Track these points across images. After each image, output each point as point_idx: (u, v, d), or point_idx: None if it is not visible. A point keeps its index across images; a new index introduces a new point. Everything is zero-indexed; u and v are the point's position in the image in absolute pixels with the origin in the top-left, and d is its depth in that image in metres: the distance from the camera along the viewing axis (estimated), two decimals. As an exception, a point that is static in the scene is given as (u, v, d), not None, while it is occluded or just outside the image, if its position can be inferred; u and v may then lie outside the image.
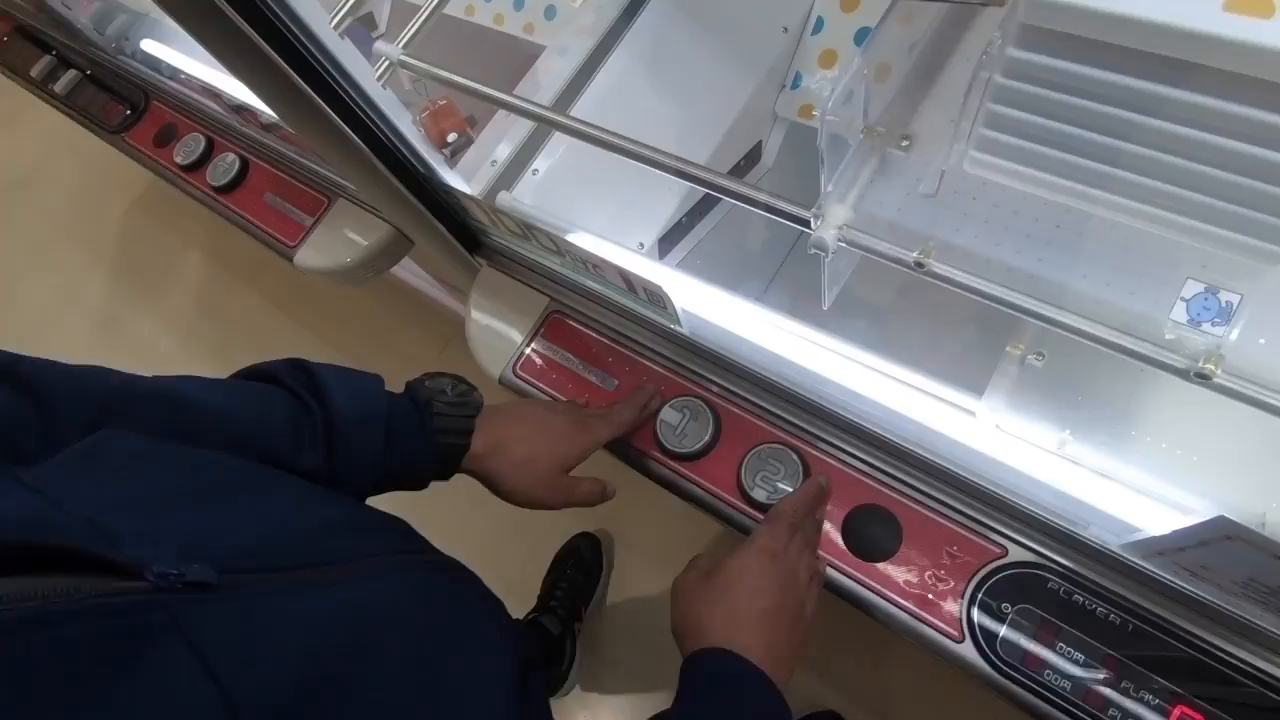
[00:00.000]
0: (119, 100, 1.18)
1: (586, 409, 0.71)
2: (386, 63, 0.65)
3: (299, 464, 0.48)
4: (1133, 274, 0.39)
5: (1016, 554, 0.60)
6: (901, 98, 0.47)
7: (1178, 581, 0.53)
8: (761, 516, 0.66)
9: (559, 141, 0.85)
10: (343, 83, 0.59)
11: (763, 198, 0.48)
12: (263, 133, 0.98)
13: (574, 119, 0.59)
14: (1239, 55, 0.29)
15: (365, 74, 0.60)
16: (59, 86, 1.23)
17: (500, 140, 0.83)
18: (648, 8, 0.90)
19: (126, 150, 1.14)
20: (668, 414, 0.72)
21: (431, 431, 0.56)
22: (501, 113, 0.87)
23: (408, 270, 1.55)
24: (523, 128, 0.84)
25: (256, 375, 0.53)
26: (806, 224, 0.46)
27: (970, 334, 0.81)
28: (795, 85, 1.07)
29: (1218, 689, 0.53)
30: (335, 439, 0.50)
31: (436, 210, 0.78)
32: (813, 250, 0.47)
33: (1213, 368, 0.35)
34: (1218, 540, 0.42)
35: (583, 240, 0.67)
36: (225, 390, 0.49)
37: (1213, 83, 0.31)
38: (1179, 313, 0.37)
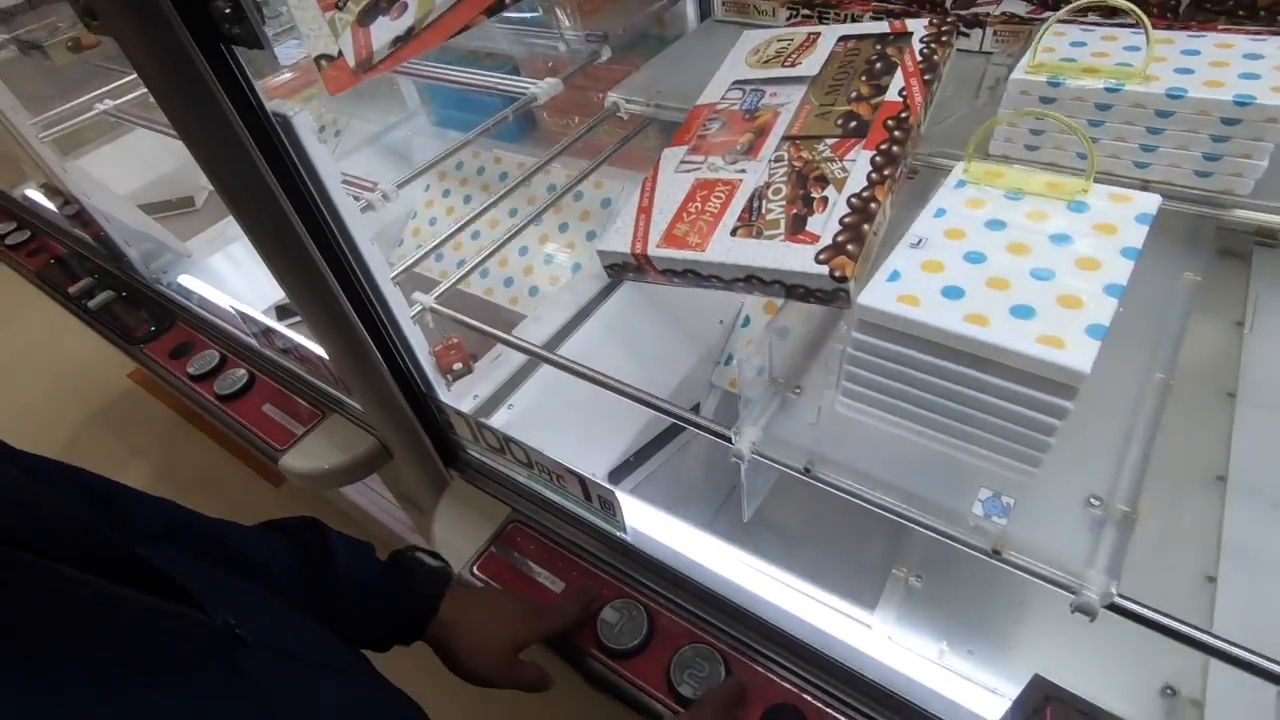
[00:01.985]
0: (145, 319, 1.36)
1: (538, 601, 0.80)
2: (420, 307, 0.85)
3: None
4: (950, 484, 0.56)
5: (915, 756, 0.68)
6: (797, 360, 0.68)
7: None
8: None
9: (530, 386, 1.04)
10: (384, 318, 0.78)
11: (703, 421, 0.66)
12: (279, 354, 1.15)
13: (563, 357, 0.79)
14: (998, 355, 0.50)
15: (404, 313, 0.80)
16: (93, 303, 1.41)
17: (484, 381, 1.02)
18: (615, 294, 1.17)
19: (142, 359, 1.28)
20: (608, 614, 0.80)
21: (413, 595, 0.64)
22: (485, 359, 1.07)
23: (358, 493, 1.63)
24: (504, 370, 1.04)
25: (277, 526, 0.62)
26: (729, 439, 0.63)
27: (866, 557, 0.95)
28: (727, 363, 1.33)
29: None
30: (329, 585, 0.59)
31: (426, 426, 0.93)
32: (733, 459, 0.63)
33: (1001, 549, 0.51)
34: (1041, 704, 0.54)
35: (551, 453, 0.82)
36: (257, 538, 0.59)
37: (977, 365, 0.52)
38: (978, 509, 0.54)
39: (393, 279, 0.76)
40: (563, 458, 0.93)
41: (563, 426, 1.08)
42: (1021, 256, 0.55)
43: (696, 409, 1.33)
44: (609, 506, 0.81)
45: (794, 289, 0.62)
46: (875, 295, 0.54)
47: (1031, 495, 0.55)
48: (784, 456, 0.61)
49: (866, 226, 0.61)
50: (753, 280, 0.63)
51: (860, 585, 0.82)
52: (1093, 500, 0.53)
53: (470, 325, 0.85)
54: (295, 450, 1.08)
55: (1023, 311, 0.51)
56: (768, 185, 0.69)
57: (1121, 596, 0.49)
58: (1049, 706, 0.54)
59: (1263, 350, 0.94)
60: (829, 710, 0.72)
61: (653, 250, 0.67)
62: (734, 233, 0.65)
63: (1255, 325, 0.97)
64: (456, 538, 0.92)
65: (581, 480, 0.80)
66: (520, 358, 1.07)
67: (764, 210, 0.66)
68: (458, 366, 0.86)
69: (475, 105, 1.66)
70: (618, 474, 1.18)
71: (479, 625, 0.68)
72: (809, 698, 0.73)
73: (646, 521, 0.86)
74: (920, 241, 0.58)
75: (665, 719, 0.72)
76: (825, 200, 0.65)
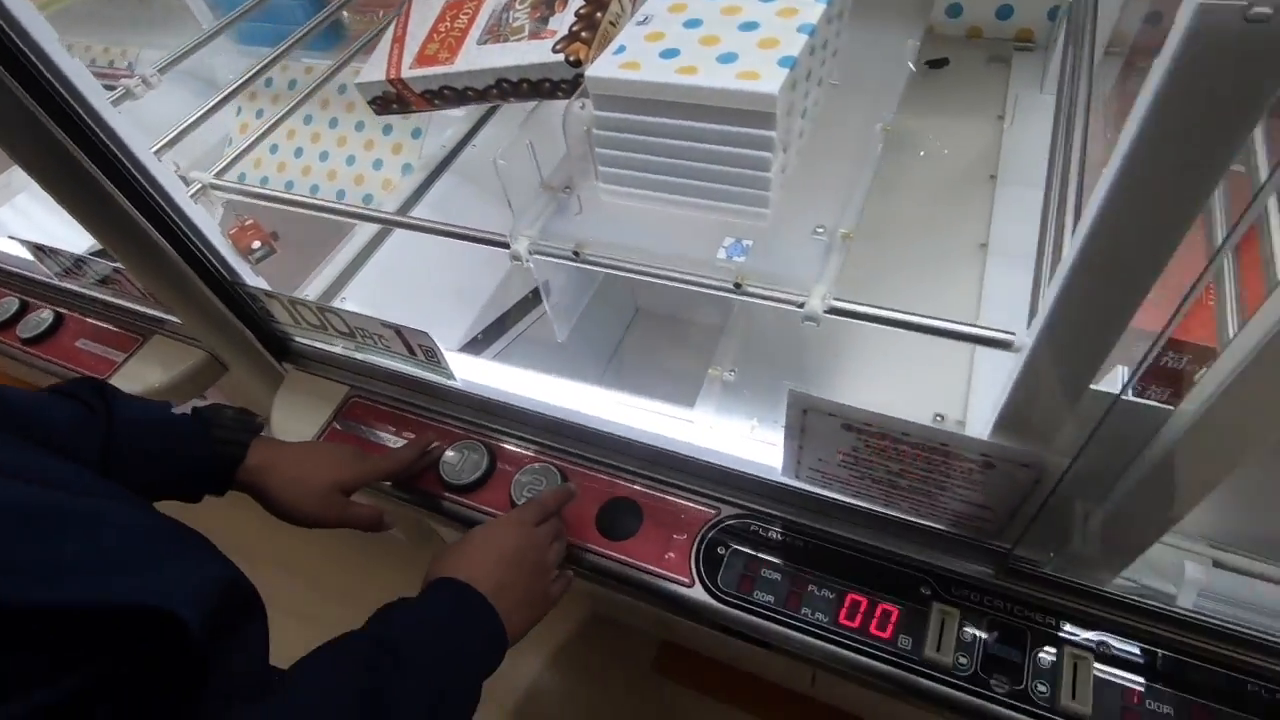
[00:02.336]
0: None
1: (364, 451, 0.81)
2: (199, 185, 0.82)
3: (77, 459, 0.56)
4: (704, 244, 0.61)
5: (727, 511, 0.76)
6: (564, 164, 0.71)
7: (831, 494, 0.70)
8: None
9: (366, 273, 1.03)
10: (160, 200, 0.75)
11: (471, 231, 0.69)
12: (92, 288, 1.08)
13: (382, 212, 0.78)
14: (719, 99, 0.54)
15: (180, 193, 0.77)
16: None
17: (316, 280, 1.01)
18: (437, 185, 1.15)
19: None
20: (449, 456, 0.83)
21: (210, 440, 0.64)
22: (320, 273, 1.04)
23: None
24: (334, 268, 1.02)
25: (57, 389, 0.61)
26: (506, 245, 0.66)
27: (687, 366, 1.02)
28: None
29: (873, 577, 0.69)
30: (113, 438, 0.58)
31: (245, 319, 0.91)
32: (512, 260, 0.66)
33: (742, 281, 0.57)
34: (800, 416, 0.61)
35: (365, 311, 0.83)
36: (33, 400, 0.57)
37: (693, 114, 0.56)
38: (721, 254, 0.59)
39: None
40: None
41: (401, 310, 1.08)
42: (733, 15, 0.59)
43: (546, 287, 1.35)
44: (433, 355, 0.83)
45: (540, 84, 0.64)
46: (601, 67, 0.57)
47: (769, 236, 0.60)
48: (558, 244, 0.65)
49: (600, 14, 0.63)
50: (504, 85, 0.65)
51: (681, 390, 0.88)
52: (818, 230, 0.59)
53: (262, 195, 0.83)
54: (118, 376, 1.03)
55: (727, 58, 0.55)
56: (516, -2, 0.69)
57: (839, 300, 0.56)
58: (805, 414, 0.61)
59: (1019, 139, 1.04)
60: (659, 493, 0.78)
61: (406, 73, 0.67)
62: (482, 43, 0.66)
63: (1014, 119, 1.08)
64: (295, 422, 0.92)
65: (399, 332, 0.81)
66: (350, 252, 1.05)
67: (511, 20, 0.67)
68: (256, 245, 0.84)
69: (278, 13, 1.55)
70: (473, 349, 1.20)
71: (297, 467, 0.69)
72: (639, 488, 0.79)
73: (474, 369, 0.88)
74: (647, 19, 0.61)
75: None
76: (566, 1, 0.66)
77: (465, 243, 0.71)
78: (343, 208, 0.83)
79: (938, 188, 1.01)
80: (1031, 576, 0.65)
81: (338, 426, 0.91)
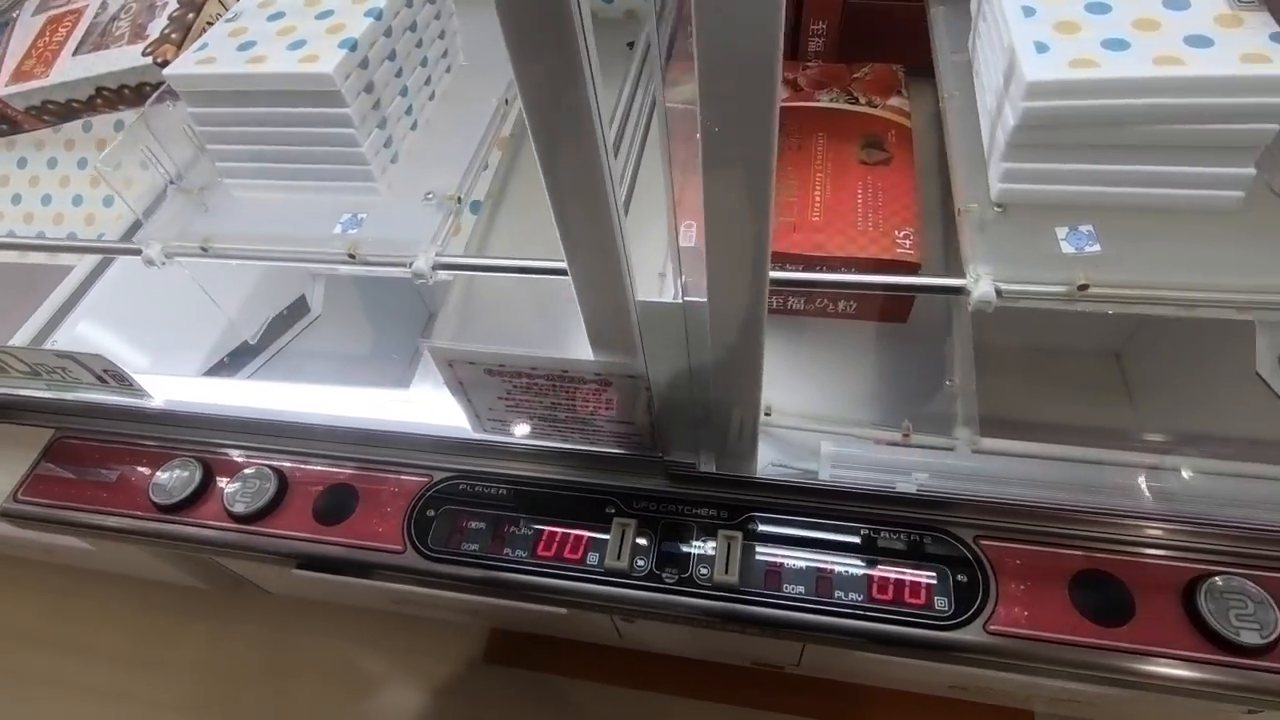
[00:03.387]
0: None
1: None
2: None
3: None
4: (326, 221, 0.65)
5: (439, 476, 0.79)
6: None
7: (515, 439, 0.75)
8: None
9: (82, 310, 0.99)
10: None
11: (96, 244, 0.68)
12: None
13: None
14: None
15: None
16: None
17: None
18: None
19: None
20: (159, 478, 0.82)
21: None
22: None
23: None
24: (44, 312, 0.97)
25: None
26: (139, 252, 0.67)
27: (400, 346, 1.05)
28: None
29: (567, 508, 0.75)
30: None
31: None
32: (147, 265, 0.67)
33: (354, 252, 0.61)
34: (449, 370, 0.65)
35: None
36: None
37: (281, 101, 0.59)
38: (337, 229, 0.63)
39: None
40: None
41: (127, 344, 1.04)
42: (313, 7, 0.62)
43: (302, 302, 1.34)
44: (122, 379, 0.81)
45: (140, 89, 0.64)
46: (180, 65, 0.59)
47: (388, 208, 0.64)
48: (192, 247, 0.66)
49: (193, 15, 0.65)
50: (105, 94, 0.65)
51: (398, 374, 0.91)
52: (428, 196, 0.64)
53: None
54: None
55: (296, 45, 0.58)
56: (122, 6, 0.69)
57: (444, 256, 0.61)
58: (452, 367, 0.66)
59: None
60: (373, 473, 0.81)
61: (3, 90, 0.66)
62: (78, 53, 0.66)
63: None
64: (-8, 477, 0.87)
65: (77, 360, 0.78)
66: (63, 293, 1.00)
67: (114, 29, 0.67)
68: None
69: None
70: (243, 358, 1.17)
71: None
72: (355, 471, 0.81)
73: (174, 387, 0.87)
74: (235, 15, 0.63)
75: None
76: (166, 5, 0.67)
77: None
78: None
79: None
80: (693, 478, 0.73)
81: (43, 471, 0.87)
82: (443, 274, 0.61)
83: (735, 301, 0.51)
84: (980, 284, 0.50)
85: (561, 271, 0.59)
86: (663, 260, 0.57)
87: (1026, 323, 1.28)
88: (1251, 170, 0.49)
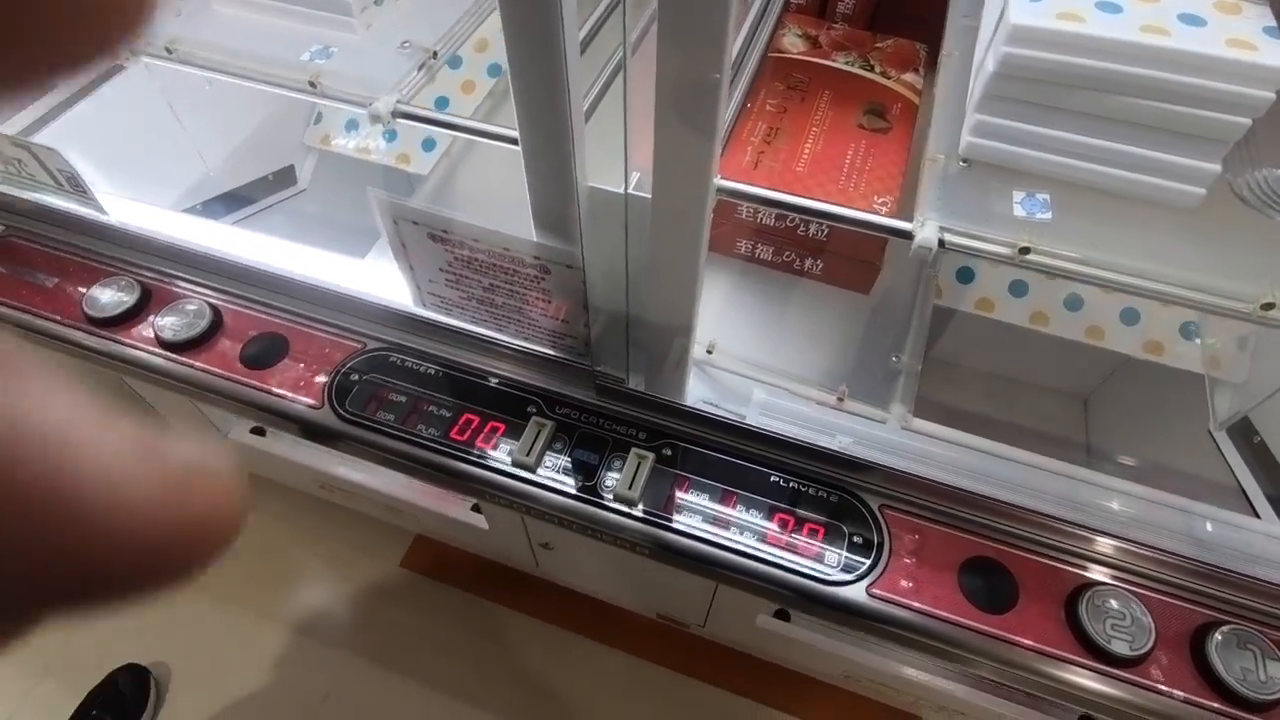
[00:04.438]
0: None
1: None
2: None
3: None
4: (296, 48, 0.64)
5: (372, 345, 0.79)
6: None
7: (452, 320, 0.74)
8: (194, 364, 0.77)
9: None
10: None
11: None
12: None
13: None
14: None
15: None
16: None
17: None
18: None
19: None
20: (94, 292, 0.81)
21: None
22: None
23: None
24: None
25: None
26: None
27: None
28: (317, 122, 1.32)
29: (492, 400, 0.75)
30: None
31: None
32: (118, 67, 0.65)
33: (315, 80, 0.59)
34: (394, 227, 0.64)
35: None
36: None
37: None
38: (305, 56, 0.61)
39: None
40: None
41: (109, 166, 1.02)
42: None
43: (290, 174, 1.32)
44: (76, 184, 0.80)
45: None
46: None
47: (363, 48, 0.63)
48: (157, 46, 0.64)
49: None
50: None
51: (358, 247, 0.90)
52: (405, 44, 0.63)
53: None
54: None
55: None
56: None
57: (404, 104, 0.60)
58: (397, 225, 0.65)
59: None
60: (308, 329, 0.80)
61: None
62: None
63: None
64: (-66, 259, 0.86)
65: (31, 152, 0.77)
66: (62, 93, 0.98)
67: None
68: None
69: None
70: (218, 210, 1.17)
71: None
72: (288, 323, 0.80)
73: (132, 210, 0.86)
74: None
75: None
76: None
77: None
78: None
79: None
80: (620, 394, 0.73)
81: (-15, 266, 0.86)
82: (403, 122, 0.60)
83: (678, 198, 0.50)
84: (925, 228, 0.50)
85: (501, 138, 0.58)
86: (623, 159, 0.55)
87: (1001, 348, 1.28)
88: (1217, 167, 0.48)
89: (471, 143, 1.05)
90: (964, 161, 0.53)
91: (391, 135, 1.26)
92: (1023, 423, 1.28)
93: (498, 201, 0.97)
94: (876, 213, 0.76)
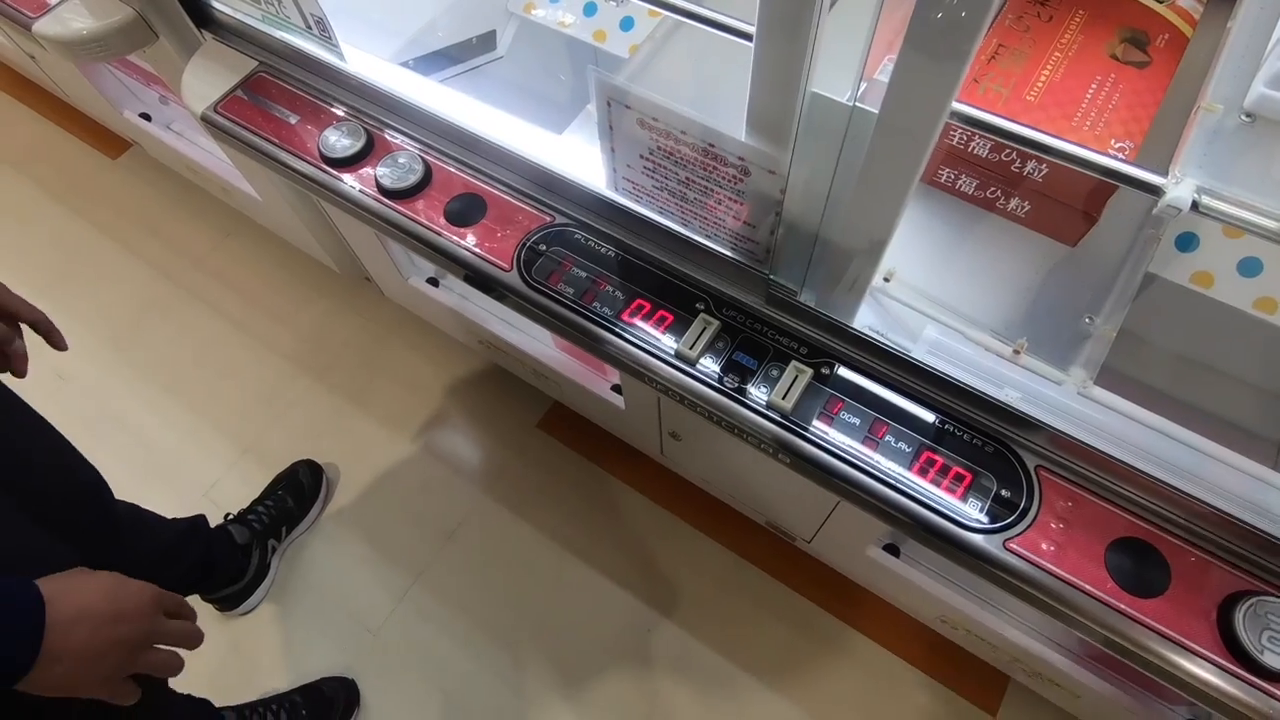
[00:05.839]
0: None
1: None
2: None
3: None
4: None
5: (560, 220, 0.83)
6: None
7: (640, 208, 0.77)
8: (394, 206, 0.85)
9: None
10: None
11: None
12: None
13: None
14: None
15: None
16: None
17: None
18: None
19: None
20: (328, 134, 0.90)
21: None
22: None
23: (202, 151, 1.62)
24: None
25: None
26: None
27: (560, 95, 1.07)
28: (523, -12, 1.33)
29: (662, 289, 0.78)
30: None
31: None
32: None
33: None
34: (606, 108, 0.66)
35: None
36: None
37: None
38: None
39: None
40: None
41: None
42: None
43: (492, 39, 1.36)
44: (323, 28, 0.87)
45: None
46: None
47: None
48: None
49: None
50: None
51: (561, 114, 0.93)
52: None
53: None
54: (49, 18, 1.07)
55: None
56: None
57: None
58: (610, 106, 0.67)
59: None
60: (504, 195, 0.85)
61: None
62: None
63: None
64: (204, 85, 0.98)
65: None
66: None
67: None
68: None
69: None
70: (425, 67, 1.24)
71: None
72: (488, 187, 0.86)
73: (365, 61, 0.92)
74: None
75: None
76: None
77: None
78: None
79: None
80: (789, 306, 0.74)
81: (242, 95, 0.97)
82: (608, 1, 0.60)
83: (909, 117, 0.48)
84: (1180, 187, 0.45)
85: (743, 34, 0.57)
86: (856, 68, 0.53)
87: (1205, 329, 1.14)
88: None
89: (672, 31, 1.03)
90: (1247, 116, 0.47)
91: (592, 8, 1.26)
92: (1211, 410, 1.16)
93: (695, 96, 0.96)
94: (1113, 157, 0.69)
